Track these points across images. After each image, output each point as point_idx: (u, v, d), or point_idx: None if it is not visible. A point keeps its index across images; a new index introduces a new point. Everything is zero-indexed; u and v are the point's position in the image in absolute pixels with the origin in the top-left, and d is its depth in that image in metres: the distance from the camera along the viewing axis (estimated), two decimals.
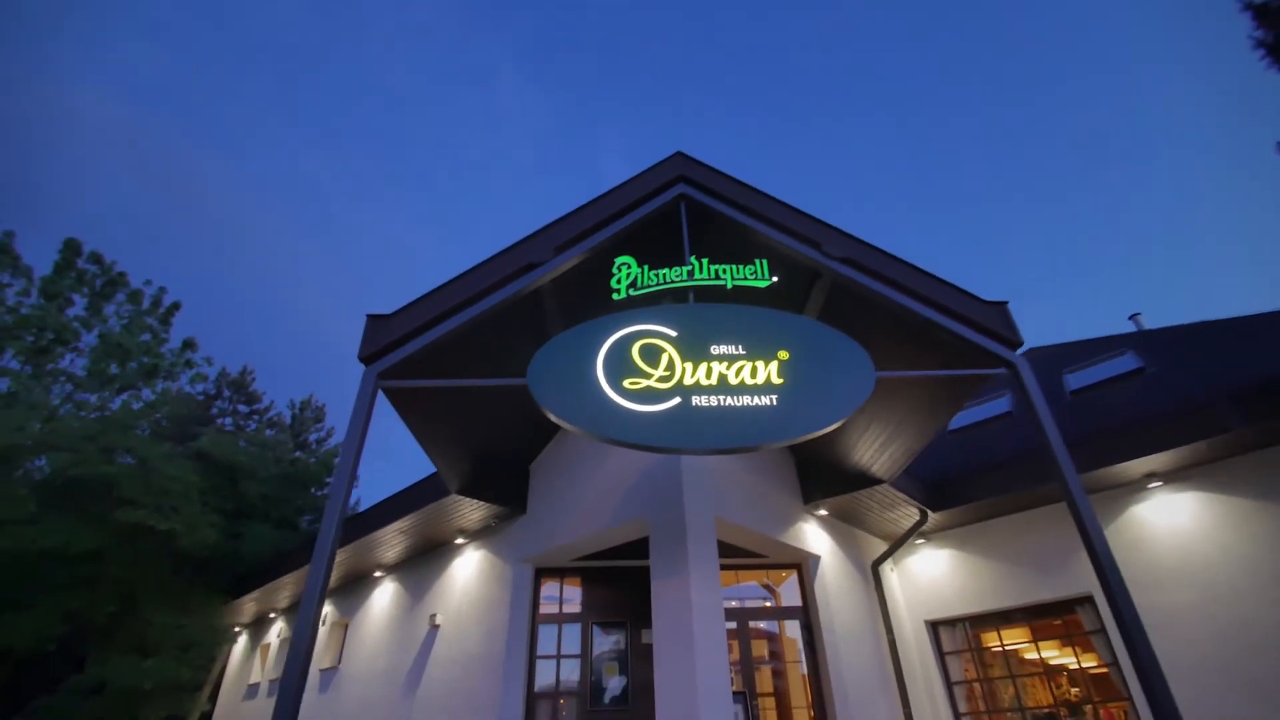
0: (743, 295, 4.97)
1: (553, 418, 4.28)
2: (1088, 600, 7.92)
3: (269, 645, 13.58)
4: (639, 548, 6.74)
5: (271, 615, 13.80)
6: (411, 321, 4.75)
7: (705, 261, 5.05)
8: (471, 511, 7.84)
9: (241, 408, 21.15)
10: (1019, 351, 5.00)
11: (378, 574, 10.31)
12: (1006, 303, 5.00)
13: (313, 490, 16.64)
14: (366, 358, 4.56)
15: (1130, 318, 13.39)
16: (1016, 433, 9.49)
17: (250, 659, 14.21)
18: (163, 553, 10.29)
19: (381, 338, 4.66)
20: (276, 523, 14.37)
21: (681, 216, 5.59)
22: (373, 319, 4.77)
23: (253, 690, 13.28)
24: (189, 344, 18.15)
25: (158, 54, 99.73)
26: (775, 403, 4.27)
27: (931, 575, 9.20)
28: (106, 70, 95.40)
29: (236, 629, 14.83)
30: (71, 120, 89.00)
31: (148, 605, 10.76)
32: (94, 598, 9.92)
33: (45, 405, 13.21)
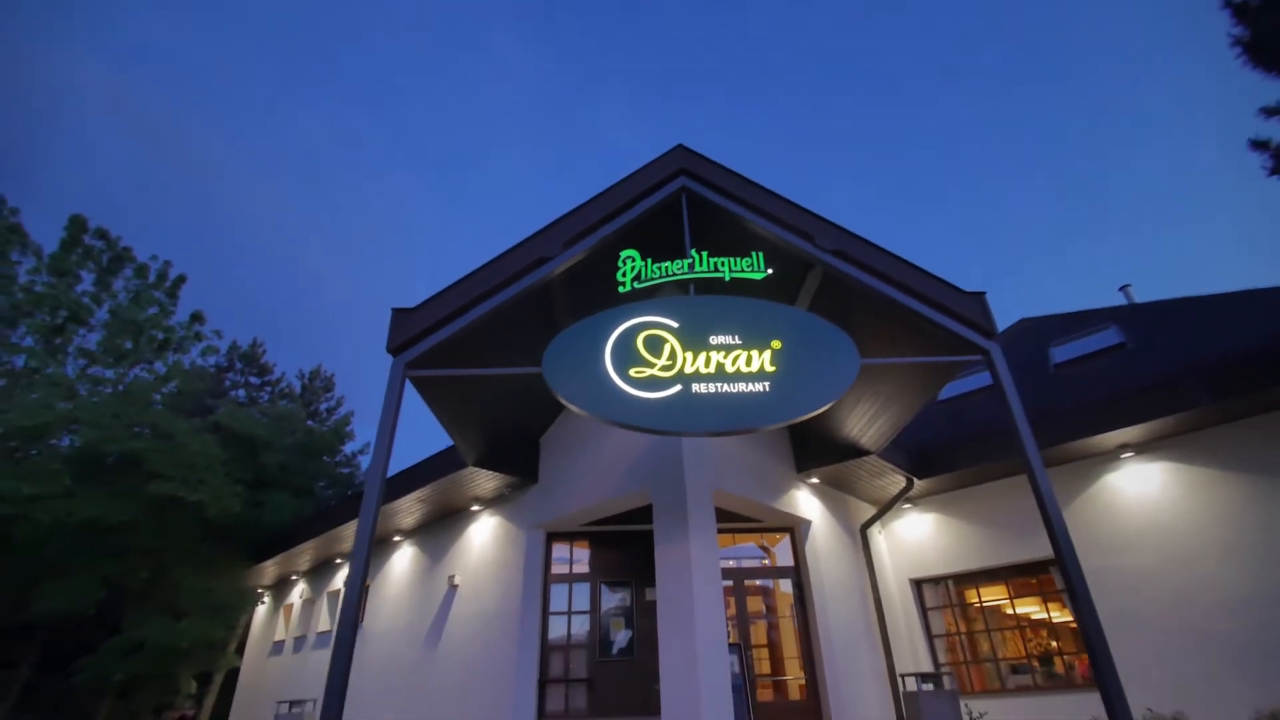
0: (740, 286, 5.33)
1: (565, 403, 4.72)
2: (1055, 561, 8.51)
3: (291, 605, 14.39)
4: (643, 514, 7.30)
5: (293, 577, 14.58)
6: (433, 315, 5.14)
7: (705, 254, 5.39)
8: (486, 481, 8.38)
9: (253, 379, 21.66)
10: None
11: (396, 538, 10.95)
12: (984, 293, 5.39)
13: (325, 459, 17.27)
14: (395, 349, 4.97)
15: (1121, 289, 13.72)
16: (998, 405, 9.95)
17: (274, 618, 15.06)
18: (190, 522, 10.91)
19: (406, 330, 5.06)
20: (295, 491, 15.03)
21: (683, 209, 5.90)
22: (397, 312, 5.15)
23: (278, 647, 14.15)
24: (197, 317, 18.51)
25: (157, 22, 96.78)
26: (768, 389, 4.70)
27: (917, 537, 9.83)
28: (105, 41, 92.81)
29: (259, 590, 15.66)
30: (70, 90, 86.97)
31: (178, 571, 11.44)
32: (128, 565, 10.58)
33: (64, 382, 13.67)
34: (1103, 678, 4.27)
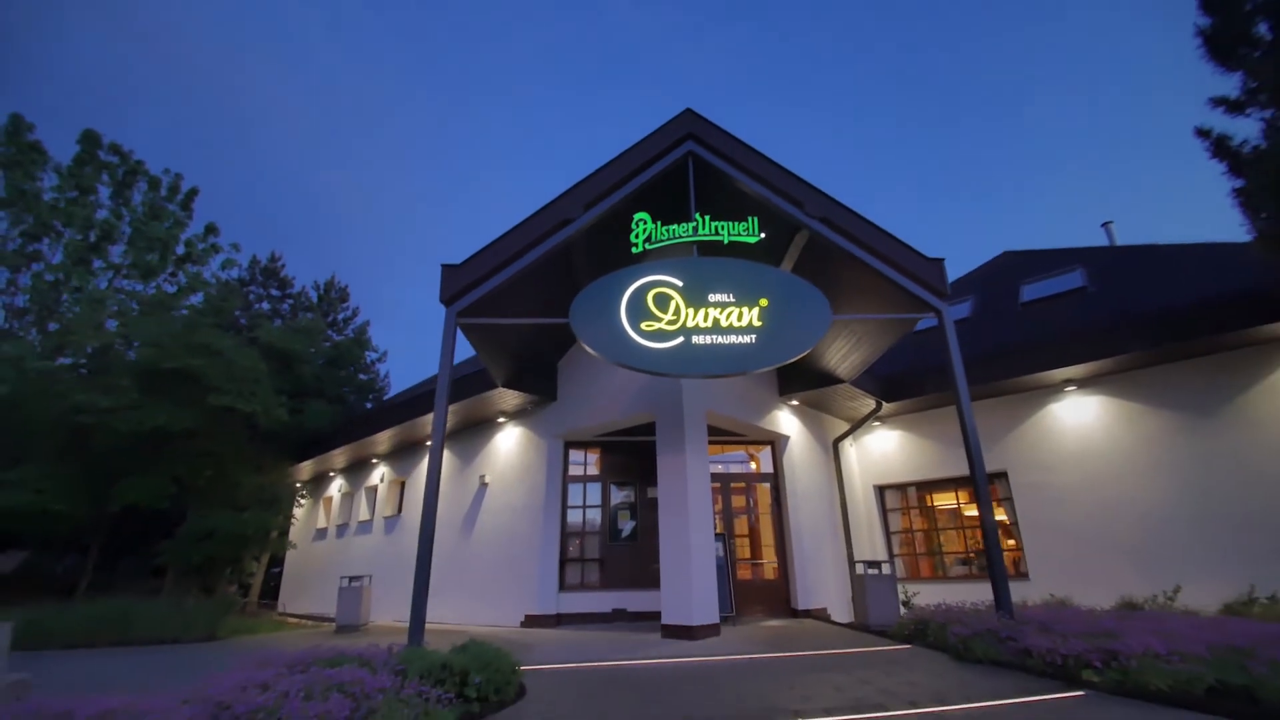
0: (736, 249, 6.25)
1: (587, 349, 5.81)
2: (1002, 475, 9.98)
3: (331, 498, 16.30)
4: (646, 428, 8.63)
5: (330, 474, 16.39)
6: (475, 271, 6.10)
7: (707, 218, 6.26)
8: (512, 399, 9.65)
9: (274, 291, 22.52)
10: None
11: (429, 443, 12.42)
12: (943, 260, 6.32)
13: (351, 370, 18.57)
14: (447, 300, 5.98)
15: (1103, 225, 14.37)
16: (968, 336, 11.08)
17: (314, 510, 17.06)
18: (243, 428, 12.33)
19: (454, 284, 6.04)
20: (329, 399, 16.46)
21: (689, 174, 6.66)
22: (447, 268, 6.11)
23: (320, 533, 16.22)
24: (211, 229, 19.08)
25: None
26: (754, 341, 5.79)
27: (883, 450, 11.31)
28: None
29: (298, 485, 17.55)
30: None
31: (234, 470, 13.03)
32: (193, 466, 12.11)
33: (101, 297, 14.63)
34: (993, 566, 5.72)
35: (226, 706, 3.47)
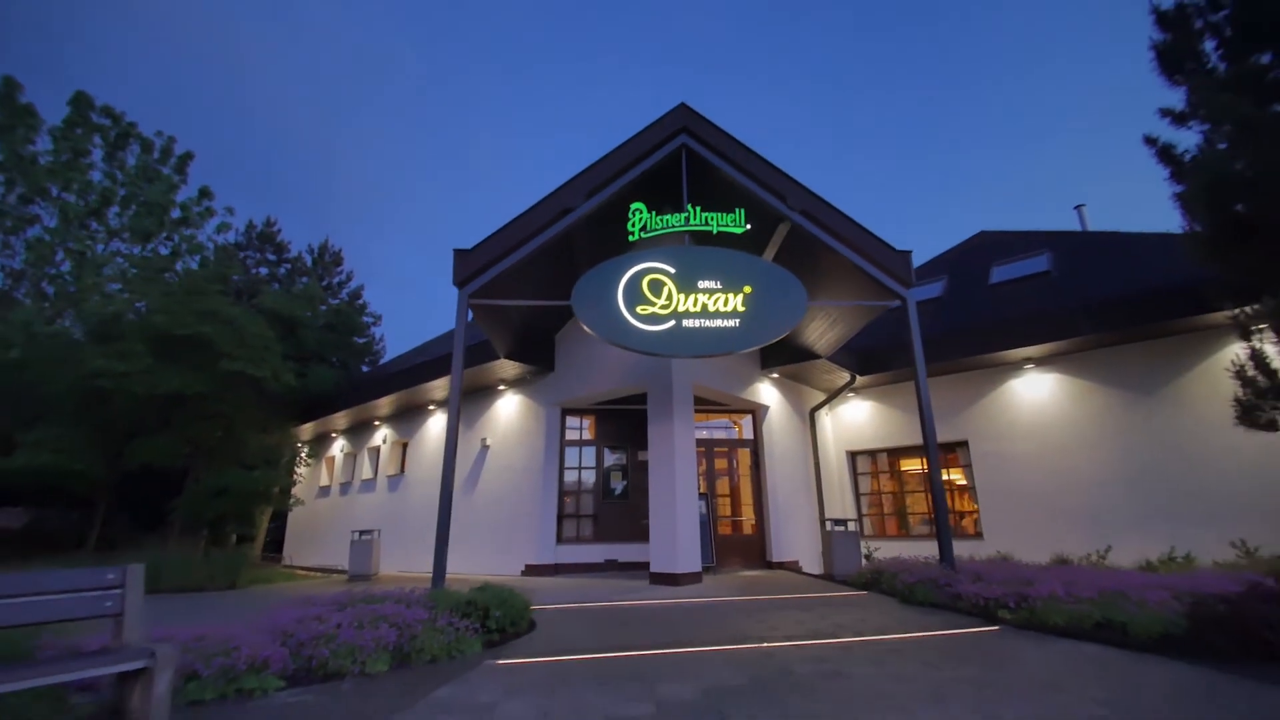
0: (724, 238, 6.84)
1: (588, 330, 6.44)
2: (964, 444, 10.88)
3: (333, 458, 17.02)
4: (639, 398, 9.34)
5: (332, 435, 17.06)
6: (484, 256, 6.65)
7: (698, 209, 6.81)
8: (512, 369, 10.29)
9: (270, 256, 22.65)
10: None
11: (430, 407, 13.12)
12: (910, 252, 6.96)
13: (355, 339, 19.01)
14: (459, 283, 6.54)
15: (1075, 208, 15.00)
16: (941, 314, 11.83)
17: (317, 469, 17.78)
18: (251, 391, 12.86)
19: (465, 268, 6.59)
20: (330, 364, 16.97)
21: (682, 166, 7.17)
22: (459, 253, 6.65)
23: (324, 491, 17.00)
24: (205, 192, 19.11)
25: None
26: (738, 325, 6.44)
27: (856, 419, 12.17)
28: None
29: (300, 446, 18.21)
30: None
31: (243, 431, 13.63)
32: (205, 427, 12.68)
33: (103, 261, 14.86)
34: (940, 525, 6.56)
35: (290, 634, 4.21)
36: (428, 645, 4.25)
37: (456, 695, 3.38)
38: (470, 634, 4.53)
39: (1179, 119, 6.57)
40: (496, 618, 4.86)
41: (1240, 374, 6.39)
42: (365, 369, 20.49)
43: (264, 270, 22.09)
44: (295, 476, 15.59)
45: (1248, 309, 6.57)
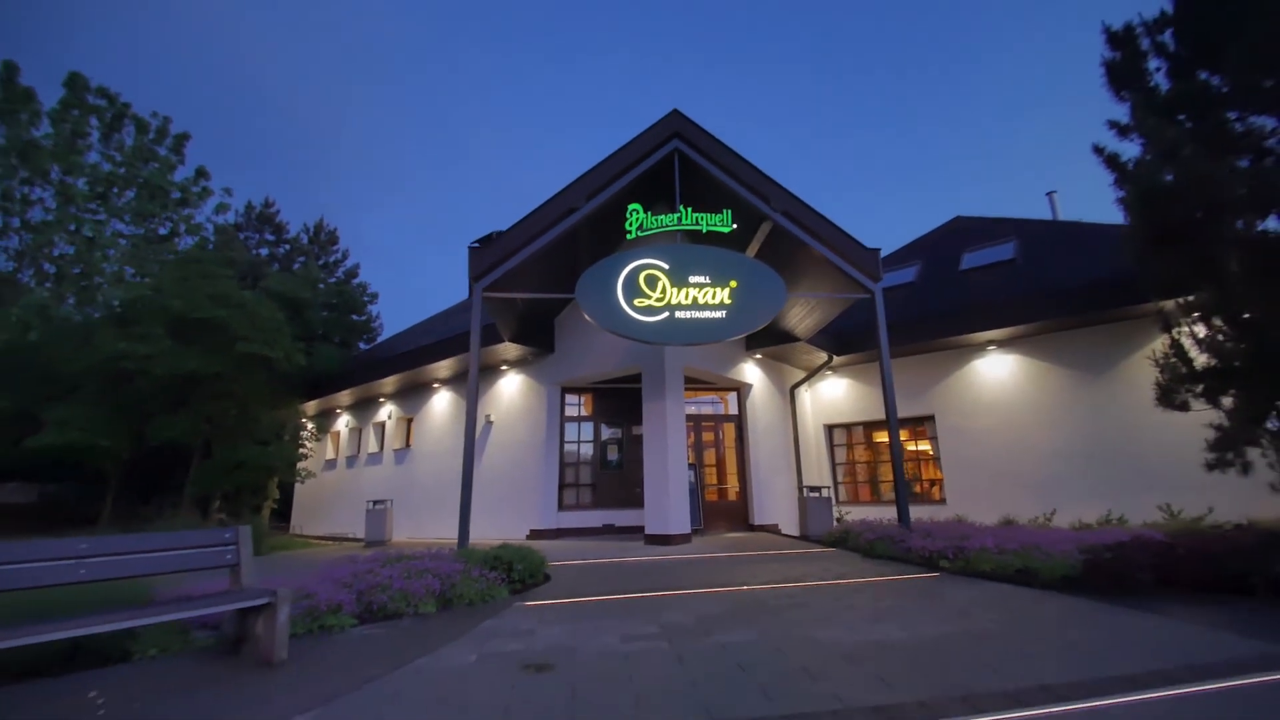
0: (713, 237, 7.58)
1: (590, 320, 7.21)
2: (930, 418, 11.87)
3: (339, 433, 17.78)
4: (634, 378, 10.18)
5: (337, 411, 17.79)
6: (497, 253, 7.35)
7: (689, 210, 7.53)
8: (515, 350, 11.05)
9: (269, 236, 22.89)
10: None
11: (435, 385, 13.87)
12: (878, 250, 7.77)
13: (354, 317, 19.54)
14: (475, 278, 7.26)
15: (1047, 195, 15.83)
16: (914, 297, 12.70)
17: (323, 443, 18.53)
18: (263, 371, 13.50)
19: (480, 264, 7.30)
20: (333, 343, 17.58)
21: (675, 169, 7.85)
22: (473, 250, 7.35)
23: (330, 464, 17.79)
24: (202, 172, 19.34)
25: None
26: (724, 316, 7.24)
27: (833, 395, 13.11)
28: None
29: (305, 421, 18.91)
30: None
31: (255, 408, 14.32)
32: (220, 406, 13.35)
33: (108, 243, 15.23)
34: (898, 490, 7.52)
35: (348, 585, 5.06)
36: (465, 591, 5.14)
37: (500, 626, 4.27)
38: (499, 583, 5.41)
39: (1123, 131, 7.34)
40: (519, 570, 5.75)
41: (1160, 361, 7.30)
42: (363, 345, 21.08)
43: (264, 251, 22.41)
44: (304, 450, 16.34)
45: (1172, 302, 7.45)
